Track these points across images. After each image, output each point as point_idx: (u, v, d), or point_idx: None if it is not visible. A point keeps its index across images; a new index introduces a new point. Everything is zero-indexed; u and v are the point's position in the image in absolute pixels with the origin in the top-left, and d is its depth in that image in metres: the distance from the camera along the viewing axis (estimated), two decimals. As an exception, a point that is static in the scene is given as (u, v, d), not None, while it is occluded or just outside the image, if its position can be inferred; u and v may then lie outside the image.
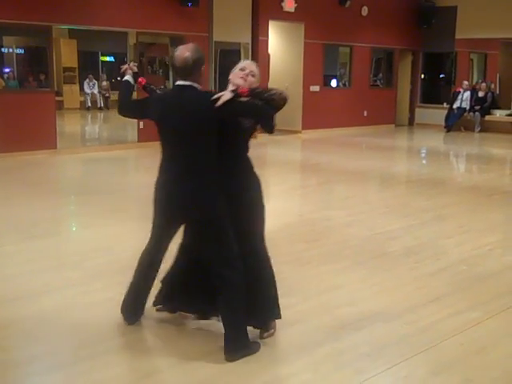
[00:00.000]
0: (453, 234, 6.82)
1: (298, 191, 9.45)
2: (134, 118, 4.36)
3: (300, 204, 8.56)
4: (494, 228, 7.18)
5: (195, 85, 3.69)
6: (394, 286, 5.04)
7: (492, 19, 16.88)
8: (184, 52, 3.65)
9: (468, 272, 5.41)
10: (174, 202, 3.81)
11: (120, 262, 5.52)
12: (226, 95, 3.58)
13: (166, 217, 3.94)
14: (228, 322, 3.74)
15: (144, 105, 4.01)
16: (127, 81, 4.08)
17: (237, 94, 3.61)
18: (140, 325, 4.15)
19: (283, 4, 14.52)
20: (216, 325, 4.02)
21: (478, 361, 3.78)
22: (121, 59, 16.48)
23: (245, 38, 14.15)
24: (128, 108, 4.13)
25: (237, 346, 3.69)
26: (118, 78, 4.64)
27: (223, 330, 3.73)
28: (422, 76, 19.21)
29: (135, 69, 4.14)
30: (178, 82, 3.73)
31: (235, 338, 3.70)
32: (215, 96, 3.58)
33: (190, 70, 3.65)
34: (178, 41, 13.18)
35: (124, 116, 4.18)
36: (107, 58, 22.13)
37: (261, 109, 3.65)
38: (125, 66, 4.15)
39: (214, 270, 3.76)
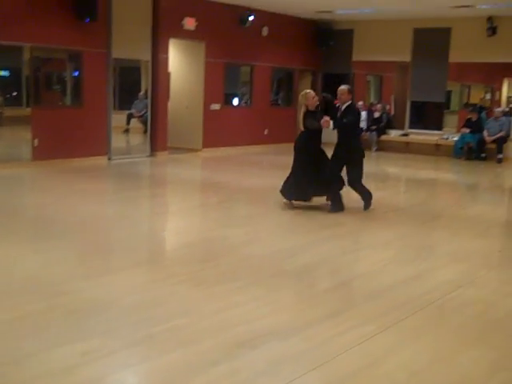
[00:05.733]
0: (349, 250, 6.96)
1: (197, 210, 9.39)
2: None
3: (199, 223, 8.50)
4: (388, 244, 7.37)
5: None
6: (291, 303, 5.07)
7: (386, 43, 17.52)
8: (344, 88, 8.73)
9: (362, 288, 5.52)
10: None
11: (8, 285, 5.30)
12: None
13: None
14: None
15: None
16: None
17: None
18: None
19: (184, 22, 14.50)
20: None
21: (370, 374, 3.84)
22: (16, 74, 15.91)
23: (145, 55, 14.02)
24: None
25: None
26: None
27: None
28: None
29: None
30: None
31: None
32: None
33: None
34: (75, 56, 12.92)
35: None
36: (2, 73, 21.34)
37: None
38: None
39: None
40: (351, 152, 8.83)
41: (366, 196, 9.05)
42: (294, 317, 4.74)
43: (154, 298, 5.07)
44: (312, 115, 8.77)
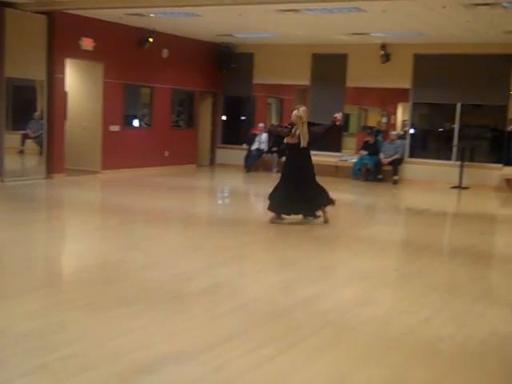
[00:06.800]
0: (249, 272, 6.95)
1: (96, 233, 9.14)
2: None
3: (97, 246, 8.28)
4: (289, 265, 7.41)
5: None
6: (190, 327, 4.98)
7: (286, 67, 17.85)
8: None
9: (262, 310, 5.50)
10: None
11: None
12: None
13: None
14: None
15: None
16: None
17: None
18: None
19: (81, 42, 14.23)
20: None
21: (269, 398, 3.81)
22: None
23: (40, 74, 13.63)
24: None
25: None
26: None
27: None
28: (224, 118, 19.70)
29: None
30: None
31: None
32: None
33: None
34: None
35: None
36: None
37: None
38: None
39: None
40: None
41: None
42: (192, 341, 4.66)
43: (49, 325, 4.86)
44: (310, 125, 9.52)
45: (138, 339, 4.64)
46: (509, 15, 11.79)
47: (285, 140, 9.62)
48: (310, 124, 9.57)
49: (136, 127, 16.77)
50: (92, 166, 15.20)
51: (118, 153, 15.58)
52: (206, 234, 9.30)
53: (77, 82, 15.30)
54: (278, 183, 9.92)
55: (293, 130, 9.35)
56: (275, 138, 9.88)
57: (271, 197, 9.80)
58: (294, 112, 9.38)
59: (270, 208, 9.73)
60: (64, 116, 14.44)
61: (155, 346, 4.50)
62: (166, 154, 17.29)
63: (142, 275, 6.52)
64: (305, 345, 4.66)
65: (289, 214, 9.77)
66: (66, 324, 4.93)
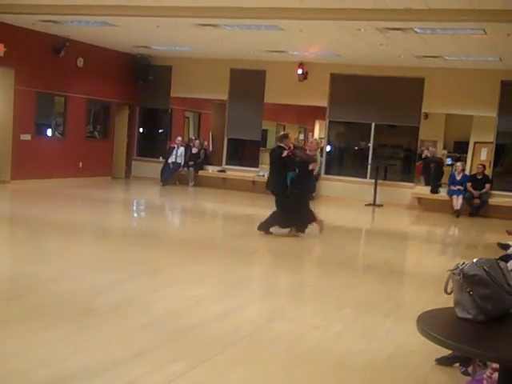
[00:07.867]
0: (161, 287, 6.81)
1: (3, 244, 8.78)
2: None
3: (3, 258, 7.94)
4: (202, 280, 7.32)
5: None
6: (98, 343, 4.81)
7: (204, 81, 17.83)
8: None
9: (174, 325, 5.39)
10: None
11: None
12: None
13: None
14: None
15: None
16: None
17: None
18: None
19: (-10, 47, 13.76)
20: None
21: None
22: None
23: None
24: None
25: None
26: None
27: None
28: (141, 130, 19.46)
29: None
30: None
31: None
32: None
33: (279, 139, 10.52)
34: None
35: None
36: None
37: None
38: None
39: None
40: None
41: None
42: (101, 357, 4.49)
43: None
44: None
45: (43, 356, 4.43)
46: (420, 40, 12.18)
47: (310, 166, 10.24)
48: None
49: (49, 137, 16.32)
50: (0, 175, 14.66)
51: (29, 162, 15.09)
52: (118, 247, 9.09)
53: (-14, 89, 14.77)
54: (292, 203, 10.38)
55: (315, 157, 10.54)
56: (292, 163, 10.32)
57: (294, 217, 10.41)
58: (315, 140, 10.82)
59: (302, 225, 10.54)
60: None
61: (61, 363, 4.31)
62: (80, 165, 16.89)
63: (50, 289, 6.28)
64: (217, 360, 4.58)
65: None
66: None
